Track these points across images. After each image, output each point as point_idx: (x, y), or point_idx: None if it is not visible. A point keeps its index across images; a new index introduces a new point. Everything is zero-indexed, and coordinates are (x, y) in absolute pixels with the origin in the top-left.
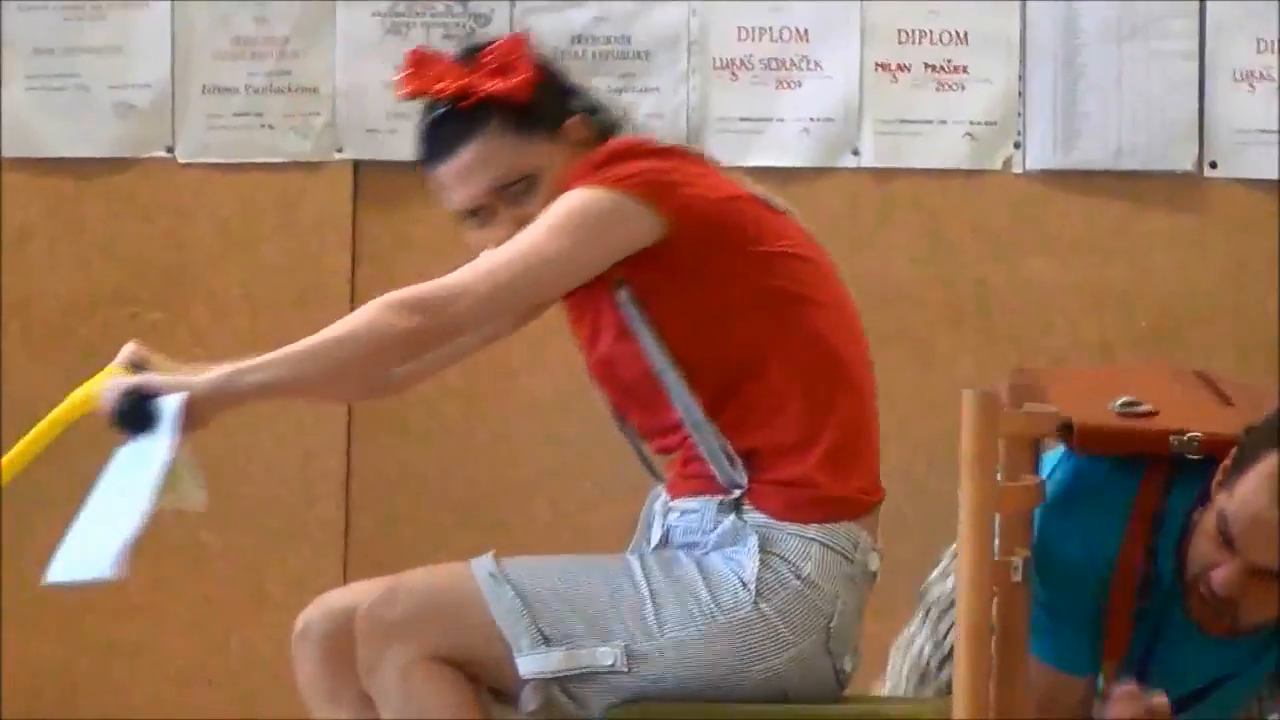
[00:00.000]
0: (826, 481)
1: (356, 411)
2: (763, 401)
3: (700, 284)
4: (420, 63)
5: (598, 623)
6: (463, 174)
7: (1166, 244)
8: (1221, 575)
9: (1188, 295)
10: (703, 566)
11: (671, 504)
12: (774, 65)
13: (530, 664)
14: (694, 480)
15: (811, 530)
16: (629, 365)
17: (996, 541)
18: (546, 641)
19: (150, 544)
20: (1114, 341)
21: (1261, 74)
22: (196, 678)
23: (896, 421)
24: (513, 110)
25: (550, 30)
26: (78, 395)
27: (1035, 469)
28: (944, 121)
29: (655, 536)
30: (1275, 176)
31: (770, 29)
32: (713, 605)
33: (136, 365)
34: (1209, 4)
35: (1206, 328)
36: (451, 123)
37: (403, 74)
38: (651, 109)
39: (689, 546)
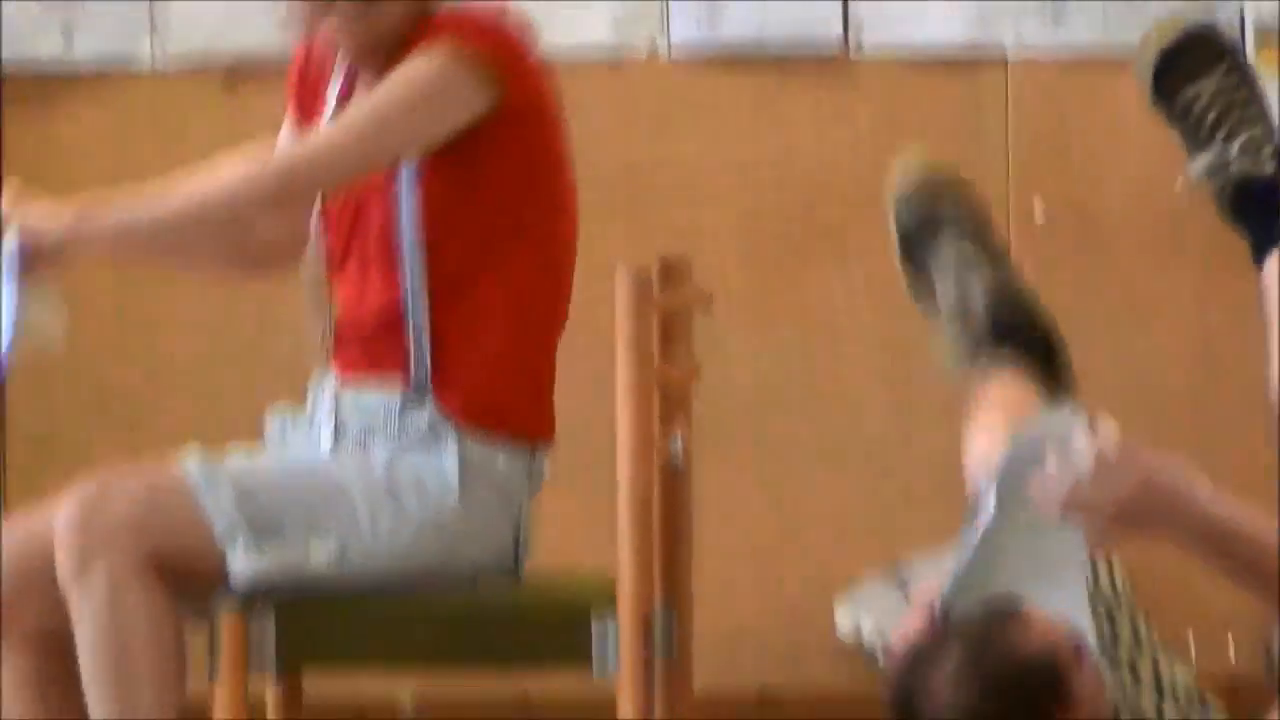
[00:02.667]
0: (521, 403)
1: None
2: (486, 301)
3: (487, 165)
4: None
5: (310, 520)
6: None
7: (813, 119)
8: None
9: (836, 169)
10: (404, 464)
11: (342, 391)
12: None
13: (244, 563)
14: (377, 363)
15: (501, 440)
16: (378, 215)
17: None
18: (259, 540)
19: None
20: (766, 222)
21: None
22: None
23: None
24: None
25: None
26: None
27: (690, 345)
28: (588, 6)
29: (325, 433)
30: (920, 45)
31: None
32: (419, 503)
33: None
34: None
35: (856, 199)
36: None
37: None
38: None
39: (371, 436)
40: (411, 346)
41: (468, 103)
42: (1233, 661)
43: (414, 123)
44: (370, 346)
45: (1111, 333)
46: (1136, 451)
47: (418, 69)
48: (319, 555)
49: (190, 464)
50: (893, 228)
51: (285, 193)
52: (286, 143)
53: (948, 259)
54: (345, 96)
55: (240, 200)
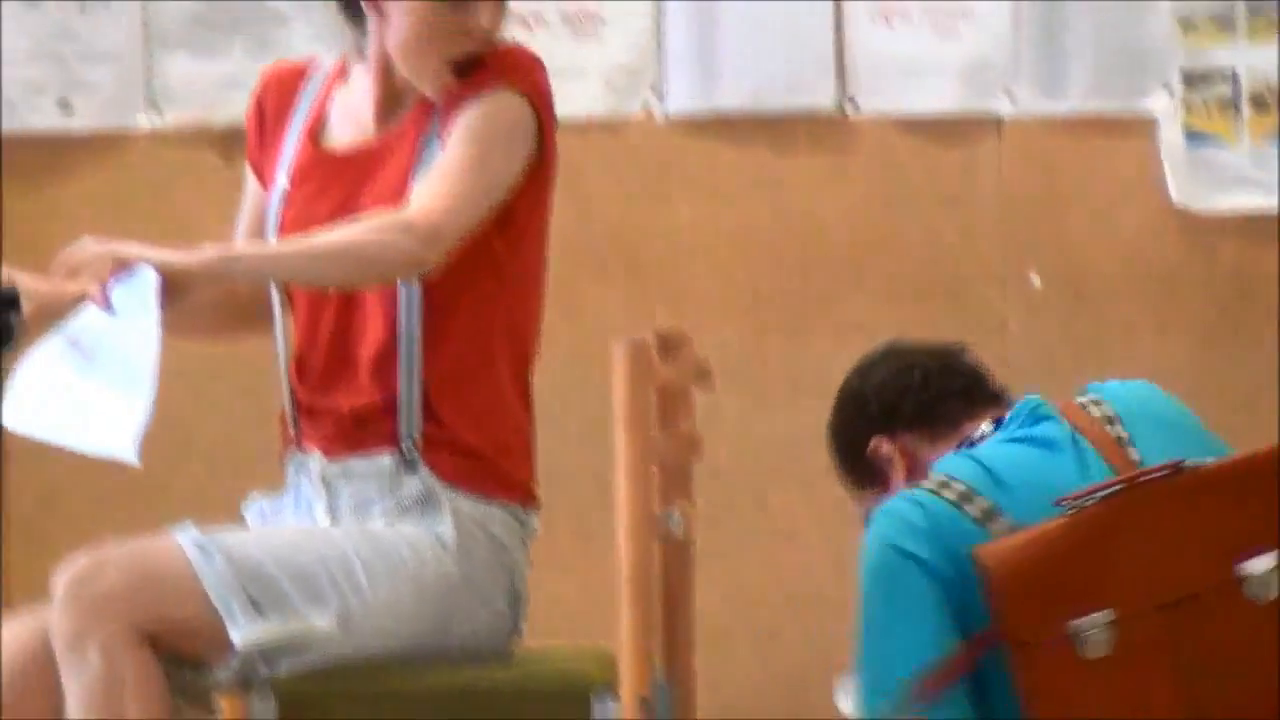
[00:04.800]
0: (508, 464)
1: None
2: (474, 360)
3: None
4: None
5: (310, 588)
6: None
7: (809, 184)
8: None
9: (832, 234)
10: (402, 529)
11: (329, 465)
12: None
13: (244, 633)
14: (361, 436)
15: (496, 500)
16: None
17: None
18: (259, 609)
19: None
20: (761, 286)
21: (898, 10)
22: None
23: (549, 374)
24: None
25: None
26: None
27: (690, 418)
28: (582, 70)
29: (320, 509)
30: (914, 111)
31: None
32: (418, 566)
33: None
34: None
35: (852, 264)
36: None
37: None
38: None
39: (366, 506)
40: (401, 412)
41: (528, 147)
42: None
43: (508, 163)
44: (356, 415)
45: None
46: None
47: (506, 107)
48: (320, 622)
49: (184, 536)
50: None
51: (437, 254)
52: (255, 199)
53: None
54: (313, 129)
55: (395, 265)
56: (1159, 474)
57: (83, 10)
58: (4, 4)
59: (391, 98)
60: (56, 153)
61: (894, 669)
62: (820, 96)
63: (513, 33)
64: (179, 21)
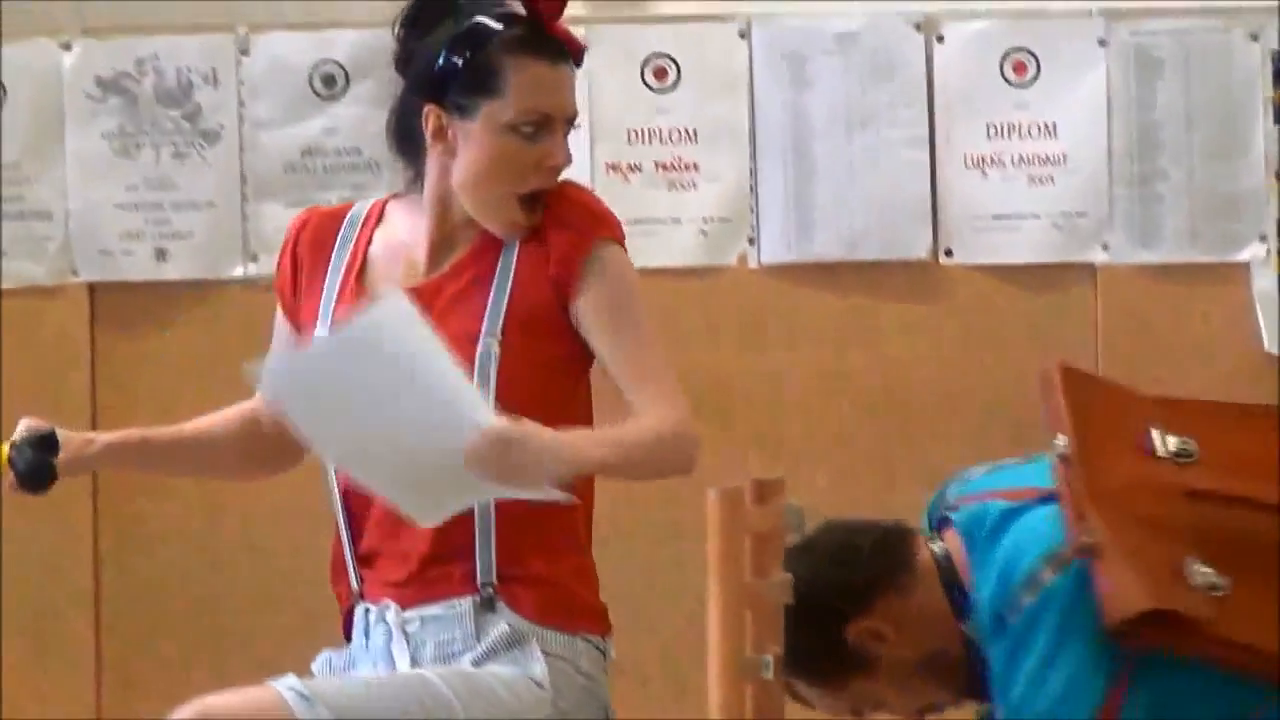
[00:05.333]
0: (585, 593)
1: (102, 525)
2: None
3: (564, 353)
4: None
5: None
6: (572, 86)
7: (903, 331)
8: None
9: (923, 378)
10: (491, 671)
11: (405, 614)
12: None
13: None
14: (435, 584)
15: (580, 634)
16: (515, 377)
17: (749, 639)
18: None
19: None
20: (854, 431)
21: (993, 159)
22: None
23: (643, 517)
24: None
25: (280, 147)
26: None
27: (780, 565)
28: (677, 220)
29: (402, 656)
30: (1009, 261)
31: None
32: (517, 707)
33: (39, 435)
34: (937, 91)
35: (944, 410)
36: (577, 43)
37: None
38: None
39: (454, 655)
40: (479, 553)
41: None
42: None
43: (648, 318)
44: (428, 560)
45: None
46: None
47: (623, 264)
48: None
49: (284, 684)
50: None
51: (697, 449)
52: (283, 344)
53: None
54: (352, 277)
55: (682, 468)
56: None
57: (179, 160)
58: (102, 153)
59: (447, 237)
60: (152, 300)
61: None
62: (915, 247)
63: (610, 182)
64: (274, 171)
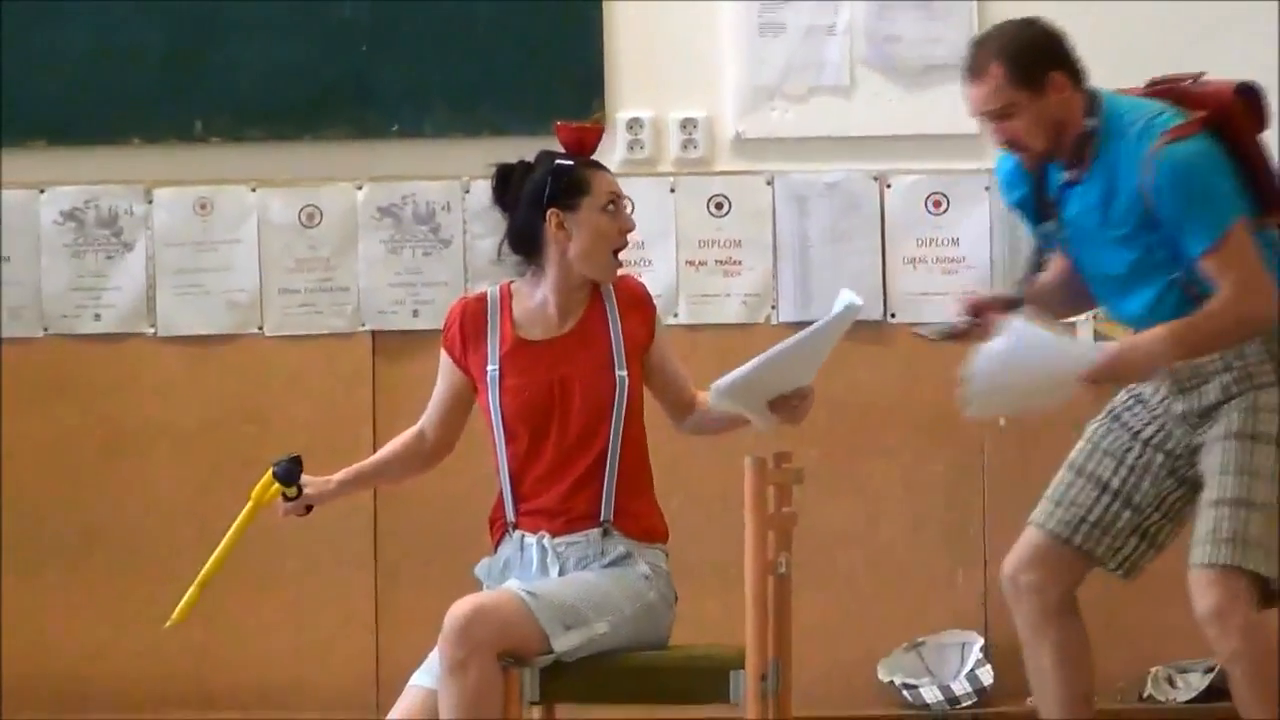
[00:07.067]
0: (658, 520)
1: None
2: (637, 451)
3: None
4: None
5: (596, 608)
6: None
7: (864, 364)
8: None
9: (878, 395)
10: (625, 573)
11: (551, 542)
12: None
13: (561, 644)
14: (576, 520)
15: (657, 545)
16: (592, 407)
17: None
18: (567, 628)
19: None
20: (833, 423)
21: (919, 259)
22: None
23: (710, 475)
24: None
25: (484, 249)
26: (251, 504)
27: (789, 503)
28: (728, 294)
29: (554, 567)
30: (930, 319)
31: None
32: (639, 592)
33: (291, 456)
34: (887, 218)
35: (892, 415)
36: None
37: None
38: None
39: (588, 565)
40: (604, 497)
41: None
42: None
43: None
44: (562, 506)
45: None
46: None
47: (664, 326)
48: (602, 629)
49: (515, 586)
50: None
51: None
52: (451, 382)
53: None
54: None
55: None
56: None
57: (427, 256)
58: (381, 254)
59: (569, 298)
60: (409, 342)
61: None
62: (873, 312)
63: (688, 271)
64: (481, 262)
